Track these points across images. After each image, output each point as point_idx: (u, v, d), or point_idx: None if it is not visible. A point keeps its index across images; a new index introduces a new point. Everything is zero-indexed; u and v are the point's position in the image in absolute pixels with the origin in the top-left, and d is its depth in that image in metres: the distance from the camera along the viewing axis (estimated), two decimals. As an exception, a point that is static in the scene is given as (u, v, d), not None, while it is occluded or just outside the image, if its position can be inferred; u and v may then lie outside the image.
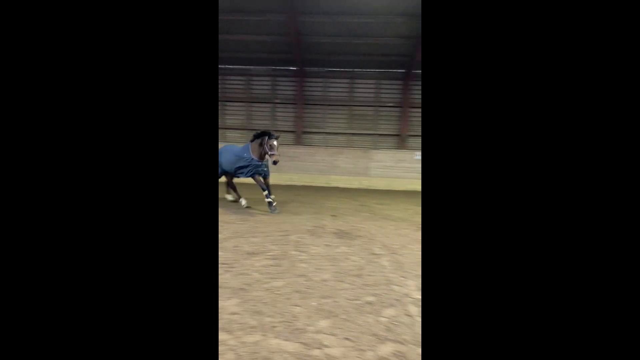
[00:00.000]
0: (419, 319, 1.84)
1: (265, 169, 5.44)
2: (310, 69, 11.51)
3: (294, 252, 3.02)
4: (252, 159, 5.32)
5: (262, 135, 5.32)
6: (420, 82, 11.37)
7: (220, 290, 2.10)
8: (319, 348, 1.52)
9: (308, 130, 11.82)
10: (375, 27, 9.71)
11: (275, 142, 5.16)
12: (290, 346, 1.53)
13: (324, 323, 1.76)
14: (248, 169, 5.34)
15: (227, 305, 1.91)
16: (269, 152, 5.14)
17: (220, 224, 4.15)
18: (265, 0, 9.27)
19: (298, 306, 1.94)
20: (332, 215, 5.13)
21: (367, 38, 10.18)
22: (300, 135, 11.61)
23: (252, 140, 5.45)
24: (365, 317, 1.85)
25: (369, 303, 2.03)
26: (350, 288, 2.25)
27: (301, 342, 1.56)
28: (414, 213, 5.76)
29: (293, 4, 9.30)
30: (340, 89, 11.66)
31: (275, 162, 5.09)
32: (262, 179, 5.38)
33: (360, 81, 11.54)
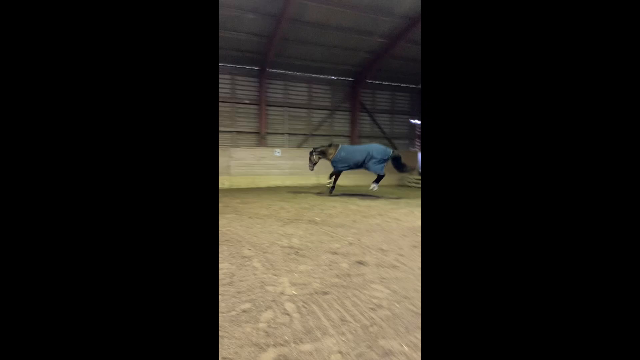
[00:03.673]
0: (297, 315, 1.87)
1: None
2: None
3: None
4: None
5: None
6: (274, 82, 11.72)
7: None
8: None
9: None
10: (225, 20, 9.33)
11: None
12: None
13: (196, 348, 1.55)
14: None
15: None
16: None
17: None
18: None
19: (161, 336, 1.64)
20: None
21: (220, 31, 9.69)
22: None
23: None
24: (242, 327, 1.74)
25: (245, 311, 1.92)
26: (222, 300, 2.07)
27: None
28: (279, 209, 5.92)
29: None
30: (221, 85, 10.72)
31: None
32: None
33: (240, 79, 10.96)
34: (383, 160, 7.57)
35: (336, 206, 6.26)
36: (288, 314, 1.89)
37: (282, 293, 2.19)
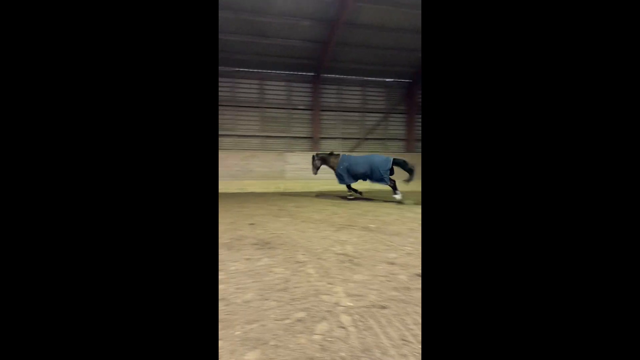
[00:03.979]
0: (354, 330, 1.76)
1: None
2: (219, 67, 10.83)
3: (209, 272, 2.66)
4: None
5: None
6: (328, 86, 11.80)
7: (114, 338, 1.67)
8: (248, 391, 1.29)
9: (219, 133, 11.10)
10: (281, 28, 9.64)
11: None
12: (213, 396, 1.26)
13: (252, 356, 1.52)
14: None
15: (124, 357, 1.50)
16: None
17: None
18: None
19: (220, 339, 1.66)
20: (250, 224, 4.82)
21: (275, 39, 10.06)
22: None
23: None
24: (297, 338, 1.68)
25: (300, 320, 1.87)
26: (277, 306, 2.05)
27: (226, 388, 1.30)
28: (332, 214, 5.87)
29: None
30: (250, 90, 11.26)
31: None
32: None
33: (270, 83, 11.35)
34: (386, 171, 7.48)
35: (391, 213, 6.01)
36: (344, 328, 1.79)
37: (337, 304, 2.09)
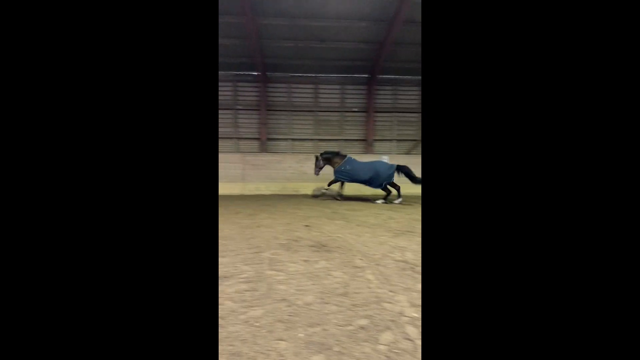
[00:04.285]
0: (419, 343, 1.65)
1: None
2: (272, 74, 11.23)
3: (270, 272, 2.73)
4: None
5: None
6: (383, 88, 11.56)
7: (187, 329, 1.77)
8: (315, 397, 1.26)
9: (273, 137, 11.50)
10: (338, 32, 9.68)
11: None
12: (280, 399, 1.25)
13: (316, 360, 1.50)
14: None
15: (197, 349, 1.58)
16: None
17: (183, 242, 3.72)
18: (222, 1, 8.87)
19: (283, 340, 1.66)
20: (305, 226, 4.87)
21: (330, 42, 10.14)
22: (265, 142, 11.25)
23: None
24: (361, 346, 1.62)
25: (363, 328, 1.80)
26: (338, 311, 2.01)
27: (293, 391, 1.29)
28: (387, 218, 5.69)
29: (253, 6, 8.99)
30: (304, 95, 11.50)
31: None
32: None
33: (325, 86, 11.47)
34: (388, 178, 7.76)
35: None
36: (410, 340, 1.68)
37: (401, 313, 1.99)
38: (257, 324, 1.83)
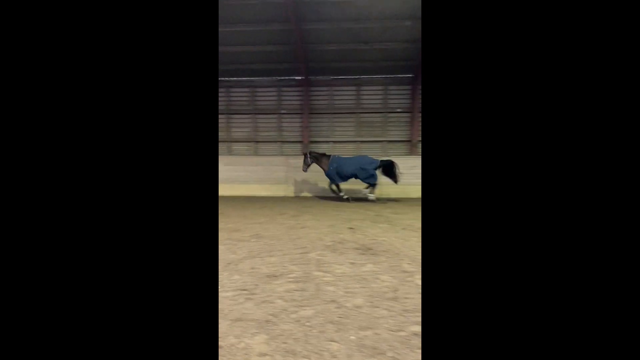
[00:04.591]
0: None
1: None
2: (315, 78, 11.38)
3: (317, 273, 2.76)
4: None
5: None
6: (428, 87, 11.16)
7: (244, 324, 1.85)
8: (371, 401, 1.25)
9: (315, 139, 11.63)
10: (381, 32, 9.56)
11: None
12: (336, 399, 1.26)
13: (369, 364, 1.49)
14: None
15: (254, 344, 1.64)
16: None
17: (232, 242, 3.91)
18: (267, 10, 9.19)
19: (335, 342, 1.67)
20: (349, 228, 4.86)
21: (373, 44, 10.05)
22: (306, 145, 11.41)
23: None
24: (415, 354, 1.57)
25: (416, 334, 1.75)
26: (389, 315, 1.97)
27: (348, 393, 1.29)
28: (435, 222, 5.47)
29: (297, 12, 9.21)
30: (347, 97, 11.49)
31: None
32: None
33: (367, 88, 11.37)
34: (373, 170, 8.25)
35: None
36: (468, 351, 1.60)
37: (456, 322, 1.90)
38: (308, 324, 1.86)
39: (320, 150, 9.84)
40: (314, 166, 9.13)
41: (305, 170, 9.22)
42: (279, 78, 11.52)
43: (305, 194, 10.58)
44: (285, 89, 11.61)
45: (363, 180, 8.44)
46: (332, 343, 1.66)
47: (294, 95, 11.62)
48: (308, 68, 10.97)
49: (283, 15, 9.28)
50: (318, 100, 11.56)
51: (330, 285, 2.47)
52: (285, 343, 1.66)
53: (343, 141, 11.64)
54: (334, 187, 8.95)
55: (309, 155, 9.09)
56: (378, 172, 8.41)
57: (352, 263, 3.06)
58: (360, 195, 8.99)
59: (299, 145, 11.63)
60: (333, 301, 2.18)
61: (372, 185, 8.43)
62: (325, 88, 11.48)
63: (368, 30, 9.62)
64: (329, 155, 8.98)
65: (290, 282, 2.55)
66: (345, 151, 11.52)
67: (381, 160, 8.46)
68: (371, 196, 8.45)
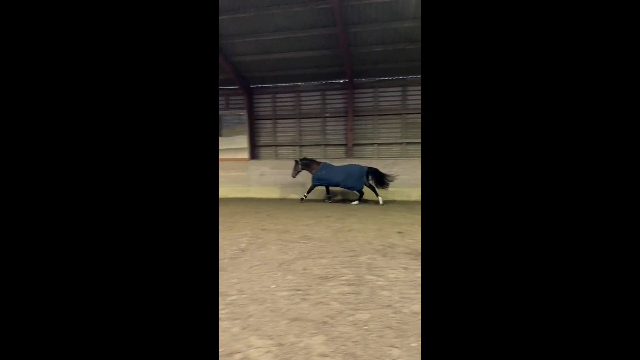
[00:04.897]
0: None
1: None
2: (360, 80, 11.34)
3: (370, 277, 2.73)
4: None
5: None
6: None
7: (301, 323, 1.89)
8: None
9: (359, 142, 11.56)
10: (413, 32, 9.25)
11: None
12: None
13: (434, 374, 1.43)
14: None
15: (313, 343, 1.67)
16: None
17: (283, 242, 4.02)
18: (312, 16, 9.35)
19: (395, 347, 1.64)
20: (398, 232, 4.75)
21: (418, 43, 9.77)
22: (350, 148, 11.39)
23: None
24: (483, 367, 1.48)
25: (482, 347, 1.65)
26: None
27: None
28: (491, 228, 5.14)
29: (343, 16, 9.26)
30: (392, 98, 11.29)
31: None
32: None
33: (413, 88, 11.07)
34: (360, 179, 8.51)
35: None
36: None
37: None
38: (366, 327, 1.85)
39: (310, 157, 10.25)
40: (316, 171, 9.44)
41: (294, 176, 9.55)
42: (323, 82, 11.65)
43: (350, 197, 10.55)
44: (329, 92, 11.71)
45: (348, 188, 8.77)
46: (393, 349, 1.63)
47: (338, 98, 11.68)
48: (353, 70, 10.96)
49: (330, 20, 9.38)
50: (363, 102, 11.50)
51: (384, 290, 2.43)
52: (344, 345, 1.66)
53: (388, 143, 11.43)
54: (312, 190, 9.37)
55: (299, 163, 9.43)
56: (365, 179, 8.66)
57: (404, 268, 2.98)
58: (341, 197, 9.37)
59: (342, 148, 11.65)
60: (389, 306, 2.14)
61: (358, 191, 8.72)
62: (369, 90, 11.39)
63: (415, 29, 9.38)
64: (320, 162, 9.33)
65: (343, 284, 2.56)
66: (391, 153, 11.31)
67: (368, 168, 8.73)
68: (380, 199, 8.61)
